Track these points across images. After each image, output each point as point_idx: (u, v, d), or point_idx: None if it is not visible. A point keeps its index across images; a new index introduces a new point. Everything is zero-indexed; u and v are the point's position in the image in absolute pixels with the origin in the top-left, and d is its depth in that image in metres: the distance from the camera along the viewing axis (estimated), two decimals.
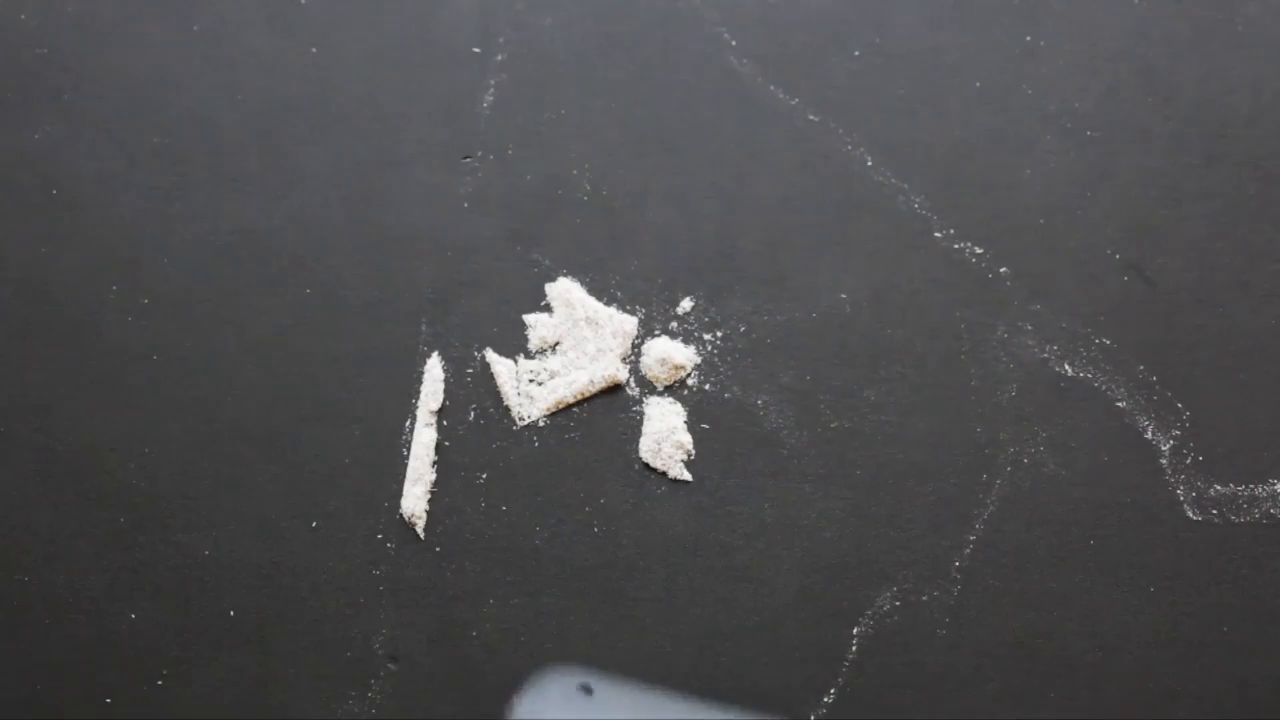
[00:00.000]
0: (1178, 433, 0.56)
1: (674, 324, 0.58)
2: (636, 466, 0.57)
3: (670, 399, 0.58)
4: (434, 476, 0.57)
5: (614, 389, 0.58)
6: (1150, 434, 0.57)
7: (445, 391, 0.58)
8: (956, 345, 0.57)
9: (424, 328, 0.58)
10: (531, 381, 0.58)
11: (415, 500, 0.57)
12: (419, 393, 0.58)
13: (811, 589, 0.56)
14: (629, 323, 0.58)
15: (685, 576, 0.56)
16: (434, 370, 0.58)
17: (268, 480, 0.57)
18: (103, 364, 0.58)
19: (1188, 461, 0.56)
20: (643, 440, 0.57)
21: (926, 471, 0.57)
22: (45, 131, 0.60)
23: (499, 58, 0.60)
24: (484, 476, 0.57)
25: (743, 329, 0.58)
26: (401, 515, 0.57)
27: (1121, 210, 0.58)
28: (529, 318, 0.58)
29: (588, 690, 0.56)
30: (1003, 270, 0.58)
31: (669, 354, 0.58)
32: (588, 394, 0.58)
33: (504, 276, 0.59)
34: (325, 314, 0.58)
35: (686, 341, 0.58)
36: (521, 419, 0.57)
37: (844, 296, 0.58)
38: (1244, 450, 0.56)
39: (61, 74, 0.60)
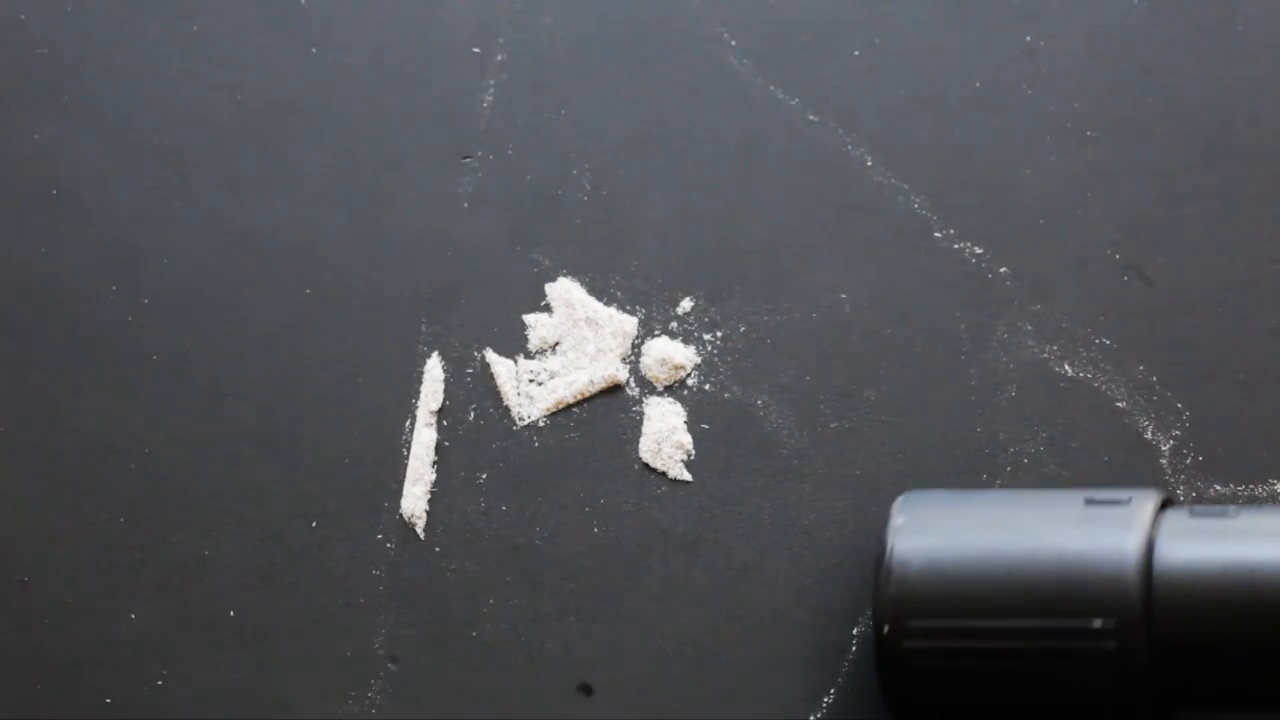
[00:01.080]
0: (1178, 433, 0.56)
1: (674, 324, 0.58)
2: (636, 466, 0.57)
3: (670, 399, 0.58)
4: (434, 476, 0.57)
5: (614, 389, 0.58)
6: (1150, 434, 0.56)
7: (445, 391, 0.58)
8: (956, 345, 0.57)
9: (424, 328, 0.58)
10: (531, 381, 0.58)
11: (415, 500, 0.57)
12: (419, 393, 0.58)
13: (811, 589, 0.56)
14: (629, 323, 0.58)
15: (685, 576, 0.56)
16: (434, 370, 0.58)
17: (268, 480, 0.57)
18: (103, 364, 0.58)
19: (1188, 461, 0.56)
20: (643, 440, 0.57)
21: (926, 471, 0.56)
22: (45, 131, 0.60)
23: (499, 58, 0.60)
24: (484, 476, 0.57)
25: (743, 329, 0.58)
26: (401, 515, 0.57)
27: (1121, 210, 0.58)
28: (529, 318, 0.58)
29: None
30: (1003, 270, 0.58)
31: (669, 354, 0.58)
32: (588, 394, 0.58)
33: (504, 276, 0.59)
34: (325, 314, 0.58)
35: (686, 341, 0.58)
36: (521, 419, 0.57)
37: (844, 296, 0.58)
38: (1244, 450, 0.56)
39: (61, 74, 0.60)
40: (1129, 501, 0.49)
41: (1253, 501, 0.56)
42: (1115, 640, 0.47)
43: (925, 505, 0.52)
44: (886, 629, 0.49)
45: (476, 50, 0.60)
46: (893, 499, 0.56)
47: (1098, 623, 0.47)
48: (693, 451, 0.57)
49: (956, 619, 0.49)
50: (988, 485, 0.56)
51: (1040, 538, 0.49)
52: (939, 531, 0.51)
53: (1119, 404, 0.57)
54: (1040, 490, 0.52)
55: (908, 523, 0.51)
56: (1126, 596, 0.47)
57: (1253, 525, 0.48)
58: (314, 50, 0.60)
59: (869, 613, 0.56)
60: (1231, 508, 0.49)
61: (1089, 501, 0.50)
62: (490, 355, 0.58)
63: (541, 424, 0.57)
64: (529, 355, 0.58)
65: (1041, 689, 0.48)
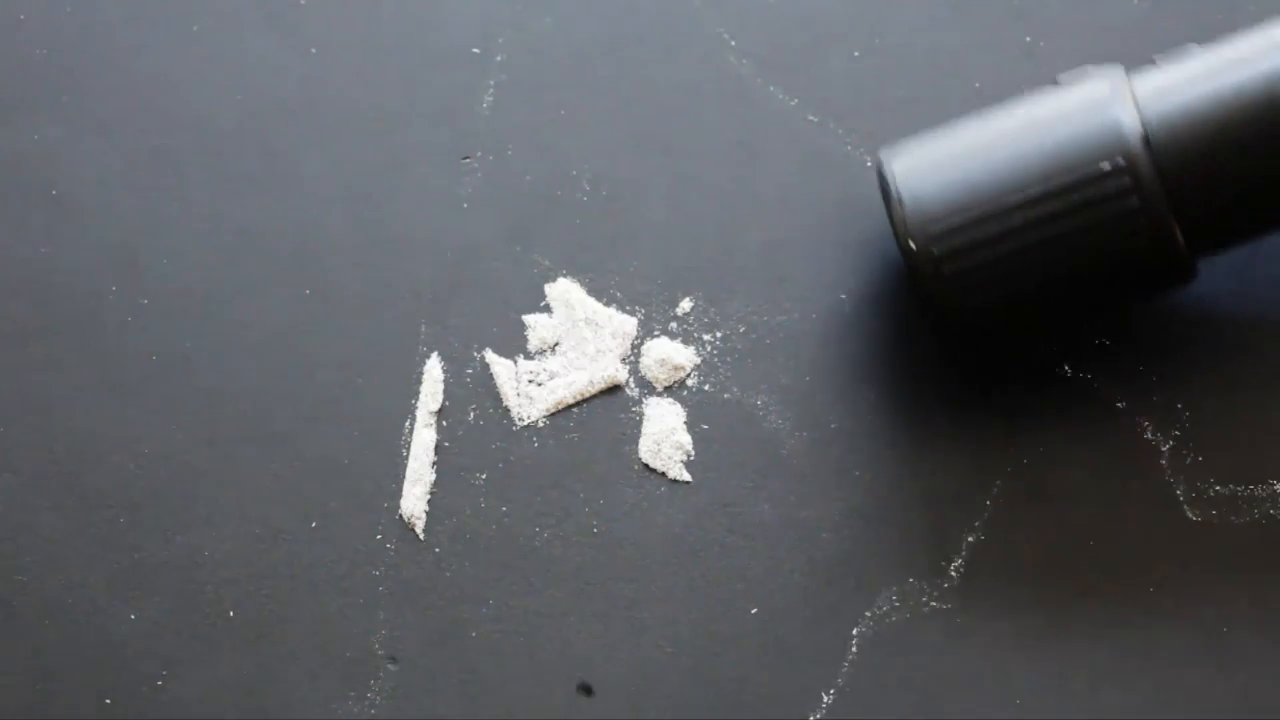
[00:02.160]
0: (1178, 433, 0.56)
1: (674, 324, 0.58)
2: (636, 467, 0.57)
3: (670, 400, 0.58)
4: (434, 477, 0.57)
5: (614, 389, 0.58)
6: (1150, 434, 0.56)
7: (445, 392, 0.58)
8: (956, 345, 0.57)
9: (424, 328, 0.58)
10: (531, 382, 0.58)
11: (415, 500, 0.57)
12: (419, 393, 0.58)
13: (811, 589, 0.56)
14: (629, 323, 0.58)
15: (685, 577, 0.56)
16: (434, 371, 0.58)
17: (268, 480, 0.57)
18: (103, 364, 0.58)
19: (1187, 462, 0.56)
20: (642, 441, 0.57)
21: (926, 472, 0.56)
22: (45, 132, 0.60)
23: (499, 58, 0.60)
24: (484, 476, 0.57)
25: (742, 329, 0.58)
26: (401, 515, 0.57)
27: None
28: (529, 318, 0.58)
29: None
30: None
31: (669, 355, 0.58)
32: (587, 395, 0.58)
33: (504, 276, 0.59)
34: (325, 314, 0.58)
35: (686, 342, 0.58)
36: (521, 419, 0.57)
37: (844, 297, 0.58)
38: (1244, 450, 0.56)
39: (61, 74, 0.60)
40: (1095, 69, 0.52)
41: (1253, 503, 0.56)
42: (1128, 176, 0.49)
43: (908, 137, 0.54)
44: (913, 244, 0.51)
45: (476, 50, 0.60)
46: (893, 501, 0.56)
47: (1106, 164, 0.49)
48: (692, 452, 0.57)
49: (975, 210, 0.51)
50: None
51: (1026, 117, 0.51)
52: (931, 144, 0.53)
53: (1119, 404, 0.57)
54: (1007, 99, 0.54)
55: (898, 149, 0.53)
56: (1125, 134, 0.50)
57: (1213, 53, 0.51)
58: (314, 50, 0.60)
59: (869, 613, 0.56)
60: (1190, 47, 0.52)
61: (1056, 82, 0.53)
62: (490, 355, 0.58)
63: (541, 424, 0.57)
64: (529, 355, 0.58)
65: (1072, 257, 0.50)
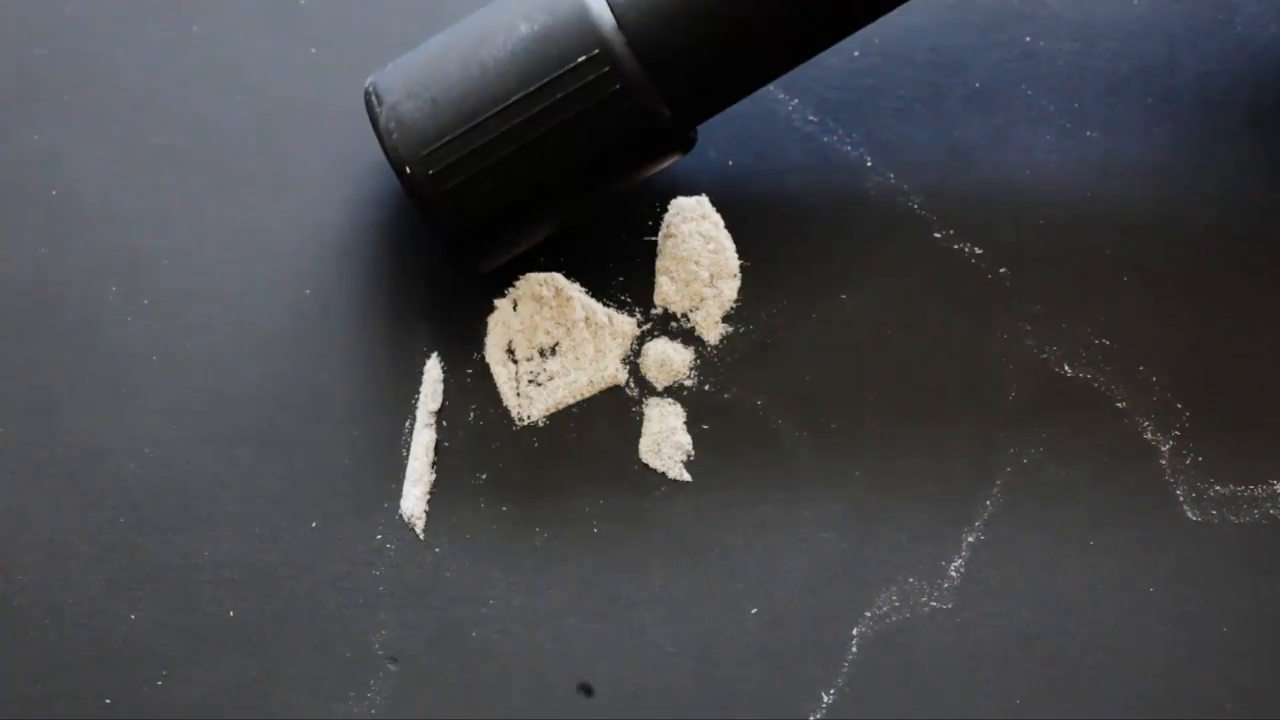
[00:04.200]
0: (1178, 433, 0.56)
1: (673, 325, 0.58)
2: (636, 467, 0.57)
3: (670, 400, 0.58)
4: (434, 477, 0.57)
5: (613, 390, 0.58)
6: (1150, 434, 0.56)
7: (445, 392, 0.58)
8: (956, 345, 0.57)
9: (424, 328, 0.58)
10: (531, 382, 0.58)
11: (415, 501, 0.57)
12: (419, 393, 0.58)
13: (811, 589, 0.56)
14: (628, 324, 0.58)
15: (685, 577, 0.56)
16: (433, 371, 0.58)
17: (268, 480, 0.57)
18: (103, 364, 0.58)
19: (1187, 462, 0.56)
20: (642, 441, 0.57)
21: (926, 471, 0.56)
22: (45, 131, 0.60)
23: None
24: (484, 476, 0.57)
25: (743, 329, 0.58)
26: (401, 515, 0.57)
27: (1121, 210, 0.58)
28: (528, 318, 0.58)
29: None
30: (1002, 270, 0.58)
31: (668, 355, 0.58)
32: (587, 395, 0.58)
33: (504, 277, 0.58)
34: (325, 314, 0.58)
35: (686, 343, 0.58)
36: (521, 419, 0.57)
37: (844, 297, 0.58)
38: (1244, 450, 0.56)
39: (61, 74, 0.60)
40: None
41: (1253, 503, 0.56)
42: (606, 64, 0.51)
43: (393, 63, 0.54)
44: (408, 170, 0.52)
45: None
46: (891, 499, 0.56)
47: (583, 57, 0.51)
48: (692, 452, 0.57)
49: (465, 125, 0.51)
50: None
51: (498, 23, 0.52)
52: (413, 66, 0.53)
53: (1119, 404, 0.57)
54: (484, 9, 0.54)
55: (383, 75, 0.54)
56: (596, 22, 0.51)
57: None
58: (314, 50, 0.60)
59: (869, 613, 0.56)
60: None
61: None
62: (489, 356, 0.58)
63: (541, 424, 0.57)
64: (528, 356, 0.58)
65: (569, 150, 0.52)
